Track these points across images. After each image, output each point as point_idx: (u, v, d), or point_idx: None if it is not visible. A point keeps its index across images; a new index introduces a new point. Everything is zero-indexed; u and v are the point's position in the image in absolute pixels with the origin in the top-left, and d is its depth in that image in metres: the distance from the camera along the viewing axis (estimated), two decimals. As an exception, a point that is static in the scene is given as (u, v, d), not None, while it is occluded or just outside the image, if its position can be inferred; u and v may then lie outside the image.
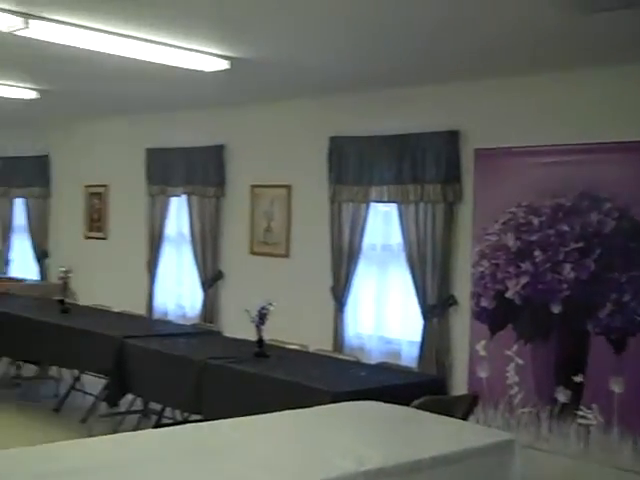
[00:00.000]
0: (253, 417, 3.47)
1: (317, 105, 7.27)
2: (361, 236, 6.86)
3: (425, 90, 6.39)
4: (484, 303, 6.00)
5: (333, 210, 7.03)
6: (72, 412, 6.68)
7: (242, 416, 3.47)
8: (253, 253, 7.87)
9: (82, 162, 9.88)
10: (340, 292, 6.96)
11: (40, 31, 4.99)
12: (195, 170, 8.26)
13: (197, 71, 6.00)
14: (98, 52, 5.52)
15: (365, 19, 4.64)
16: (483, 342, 5.97)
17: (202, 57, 5.65)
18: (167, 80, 6.62)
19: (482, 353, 5.98)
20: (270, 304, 5.15)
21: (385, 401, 3.83)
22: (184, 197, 8.45)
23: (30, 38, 5.15)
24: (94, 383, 6.60)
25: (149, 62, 5.76)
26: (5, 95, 7.66)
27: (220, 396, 4.90)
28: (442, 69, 5.95)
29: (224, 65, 5.80)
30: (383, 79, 6.39)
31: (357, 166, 6.83)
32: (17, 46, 5.57)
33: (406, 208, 6.51)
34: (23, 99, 7.84)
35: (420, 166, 6.40)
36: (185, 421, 5.59)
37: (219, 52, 5.59)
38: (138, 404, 6.29)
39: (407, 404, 3.86)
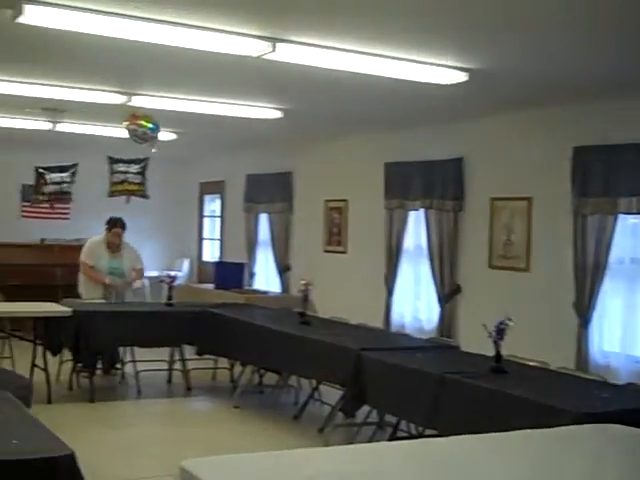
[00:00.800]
0: (489, 435, 3.35)
1: (559, 114, 7.00)
2: (607, 250, 6.50)
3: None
4: None
5: (577, 223, 6.72)
6: (310, 421, 6.85)
7: (478, 433, 3.37)
8: (492, 267, 7.70)
9: (323, 178, 10.18)
10: (584, 308, 6.63)
11: (286, 54, 5.20)
12: (433, 184, 8.24)
13: (435, 84, 5.98)
14: (339, 71, 5.66)
15: (609, 24, 4.41)
16: None
17: (440, 70, 5.62)
18: (405, 95, 6.66)
19: None
20: (509, 319, 4.99)
21: (632, 426, 3.57)
22: (422, 211, 8.46)
23: (276, 61, 5.38)
24: (332, 393, 6.73)
25: (388, 78, 5.82)
26: (253, 116, 8.05)
27: (456, 411, 4.81)
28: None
29: (462, 77, 5.74)
30: (632, 85, 6.04)
31: (604, 177, 6.49)
32: (264, 69, 5.84)
33: (658, 220, 6.09)
34: (269, 119, 8.20)
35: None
36: (420, 435, 5.55)
37: (457, 64, 5.54)
38: (374, 416, 6.32)
39: (659, 430, 3.58)
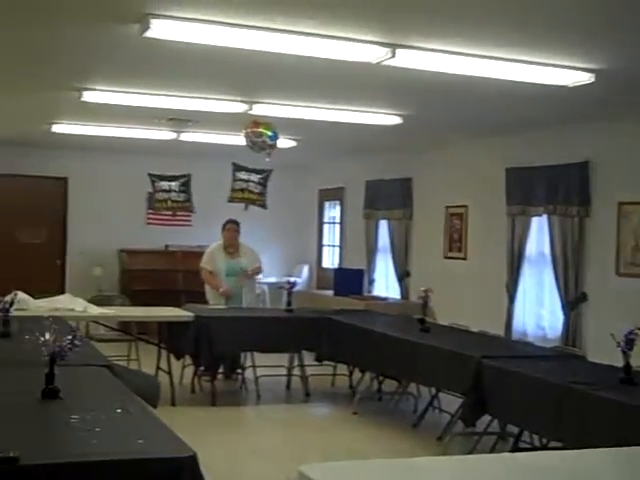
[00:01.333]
0: (616, 449, 3.22)
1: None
2: None
3: None
4: None
5: None
6: (429, 429, 6.77)
7: (604, 447, 3.24)
8: (620, 274, 7.43)
9: (443, 183, 10.07)
10: None
11: (406, 59, 5.18)
12: (557, 189, 8.02)
13: (558, 86, 5.83)
14: (459, 75, 5.59)
15: None
16: None
17: (564, 72, 5.48)
18: (527, 97, 6.52)
19: None
20: (639, 328, 4.79)
21: None
22: (545, 217, 8.25)
23: (396, 67, 5.36)
24: (451, 401, 6.64)
25: (509, 81, 5.71)
26: (372, 122, 8.05)
27: (581, 424, 4.64)
28: None
29: (588, 78, 5.56)
30: None
31: None
32: (384, 75, 5.83)
33: None
34: (388, 125, 8.18)
35: None
36: (543, 447, 5.40)
37: (582, 65, 5.38)
38: (495, 425, 6.19)
39: None
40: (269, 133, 7.56)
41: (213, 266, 8.55)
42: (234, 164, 9.08)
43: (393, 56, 5.07)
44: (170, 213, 10.21)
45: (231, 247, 8.62)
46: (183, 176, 9.38)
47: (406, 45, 4.99)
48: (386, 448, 6.21)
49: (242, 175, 9.08)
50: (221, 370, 8.27)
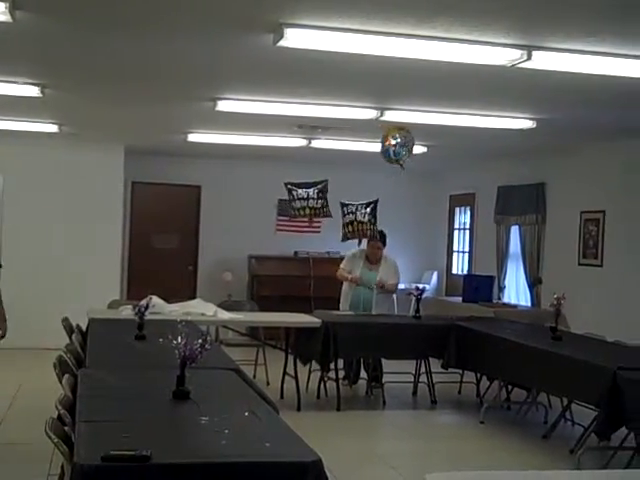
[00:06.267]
0: None
1: None
2: None
3: None
4: None
5: None
6: (560, 441, 6.57)
7: None
8: None
9: (578, 188, 9.76)
10: None
11: (542, 61, 5.07)
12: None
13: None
14: (598, 75, 5.43)
15: None
16: None
17: None
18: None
19: None
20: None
21: None
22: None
23: (530, 69, 5.25)
24: (584, 413, 6.43)
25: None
26: (505, 126, 7.89)
27: None
28: None
29: None
30: None
31: None
32: (515, 78, 5.73)
33: None
34: (520, 129, 8.00)
35: None
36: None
37: None
38: (631, 440, 5.94)
39: None
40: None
41: (350, 271, 8.44)
42: (342, 203, 8.92)
43: (529, 58, 4.97)
44: (306, 220, 10.17)
45: (373, 259, 8.47)
46: (319, 182, 9.39)
47: (542, 47, 4.88)
48: (514, 459, 6.06)
49: (350, 209, 8.87)
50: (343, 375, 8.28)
